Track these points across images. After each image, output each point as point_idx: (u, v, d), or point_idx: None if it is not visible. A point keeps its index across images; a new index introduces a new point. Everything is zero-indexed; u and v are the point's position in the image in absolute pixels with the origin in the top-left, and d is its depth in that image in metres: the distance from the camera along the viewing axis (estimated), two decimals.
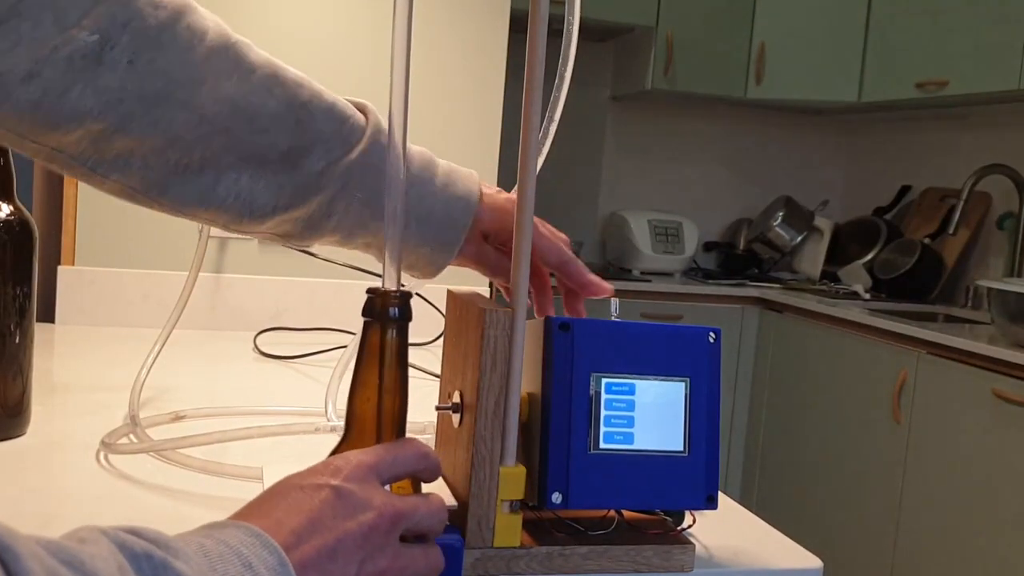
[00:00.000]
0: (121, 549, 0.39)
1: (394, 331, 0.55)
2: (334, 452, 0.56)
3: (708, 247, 3.76)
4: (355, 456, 0.51)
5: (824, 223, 3.50)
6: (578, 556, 0.63)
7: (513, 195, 0.66)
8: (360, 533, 0.47)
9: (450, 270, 0.77)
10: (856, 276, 3.33)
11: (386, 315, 0.55)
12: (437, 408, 0.67)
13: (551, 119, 0.73)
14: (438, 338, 1.43)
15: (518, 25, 1.35)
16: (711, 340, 0.67)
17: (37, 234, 0.85)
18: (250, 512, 0.48)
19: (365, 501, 0.48)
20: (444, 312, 0.72)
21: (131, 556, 0.39)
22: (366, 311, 0.55)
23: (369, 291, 0.56)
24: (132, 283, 1.42)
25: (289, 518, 0.46)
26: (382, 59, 1.50)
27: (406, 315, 0.56)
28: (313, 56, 1.48)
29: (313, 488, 0.48)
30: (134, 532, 0.41)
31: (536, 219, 0.67)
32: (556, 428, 0.63)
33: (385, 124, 0.54)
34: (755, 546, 0.72)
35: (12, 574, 0.33)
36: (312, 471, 0.50)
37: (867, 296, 3.16)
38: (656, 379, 0.65)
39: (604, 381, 0.64)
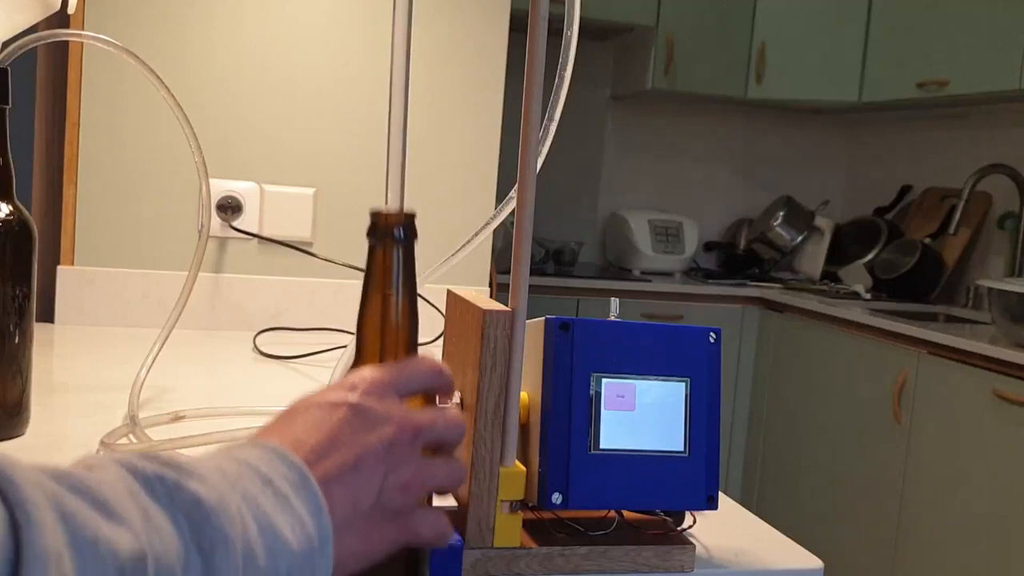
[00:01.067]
0: (132, 473, 0.38)
1: (400, 251, 0.54)
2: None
3: (708, 247, 3.76)
4: (370, 372, 0.50)
5: (825, 223, 3.50)
6: (578, 556, 0.63)
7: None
8: (381, 447, 0.47)
9: (451, 269, 0.76)
10: (857, 276, 3.33)
11: (391, 235, 0.54)
12: None
13: (551, 119, 0.73)
14: (438, 338, 1.43)
15: (518, 25, 1.35)
16: (711, 340, 0.67)
17: (36, 234, 0.84)
18: (269, 432, 0.47)
19: (384, 415, 0.48)
20: (444, 312, 0.72)
21: (143, 479, 0.38)
22: (370, 232, 0.55)
23: (373, 212, 0.55)
24: (132, 283, 1.42)
25: (309, 436, 0.46)
26: (382, 56, 1.50)
27: (411, 235, 0.55)
28: (313, 54, 1.48)
29: (331, 406, 0.47)
30: (147, 456, 0.39)
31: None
32: (556, 428, 0.63)
33: None
34: (755, 546, 0.72)
35: (11, 503, 0.32)
36: (328, 389, 0.49)
37: (868, 296, 3.16)
38: (656, 379, 0.65)
39: (604, 381, 0.64)
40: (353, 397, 0.48)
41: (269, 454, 0.44)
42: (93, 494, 0.35)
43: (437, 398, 0.55)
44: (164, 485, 0.38)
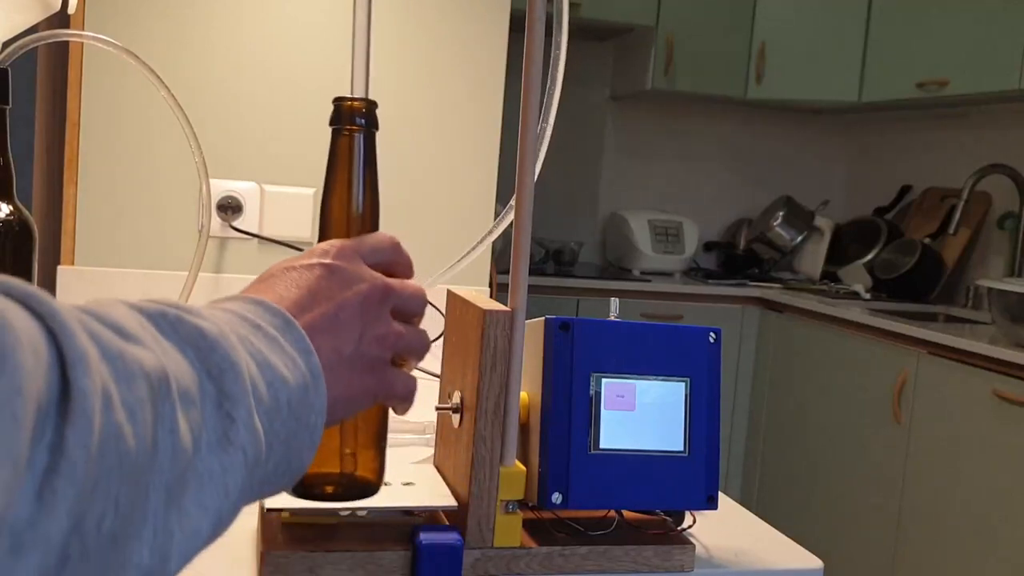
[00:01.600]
0: (135, 310, 0.39)
1: (362, 137, 0.58)
2: None
3: (708, 247, 3.76)
4: (338, 241, 0.53)
5: (824, 223, 3.50)
6: (578, 556, 0.63)
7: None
8: (357, 302, 0.50)
9: (451, 270, 0.76)
10: (856, 276, 3.33)
11: (353, 122, 0.58)
12: (437, 408, 0.67)
13: (545, 121, 0.73)
14: (438, 338, 1.43)
15: (518, 25, 1.35)
16: (711, 340, 0.67)
17: (36, 234, 0.85)
18: (247, 293, 0.49)
19: (357, 274, 0.51)
20: (444, 312, 0.72)
21: (147, 315, 0.39)
22: (333, 120, 0.58)
23: (336, 100, 0.58)
24: (132, 283, 1.42)
25: (289, 292, 0.48)
26: (381, 56, 1.50)
27: (372, 123, 0.58)
28: (313, 54, 1.48)
29: (306, 267, 0.50)
30: (145, 299, 0.41)
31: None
32: (556, 428, 0.63)
33: None
34: (755, 546, 0.72)
35: (42, 313, 0.32)
36: (300, 256, 0.52)
37: (867, 296, 3.16)
38: (656, 379, 0.65)
39: (604, 381, 0.64)
40: (326, 259, 0.51)
41: (252, 305, 0.45)
42: (108, 321, 0.36)
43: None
44: (167, 320, 0.39)
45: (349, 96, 0.59)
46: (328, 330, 0.48)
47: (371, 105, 0.58)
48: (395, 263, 0.56)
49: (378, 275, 0.52)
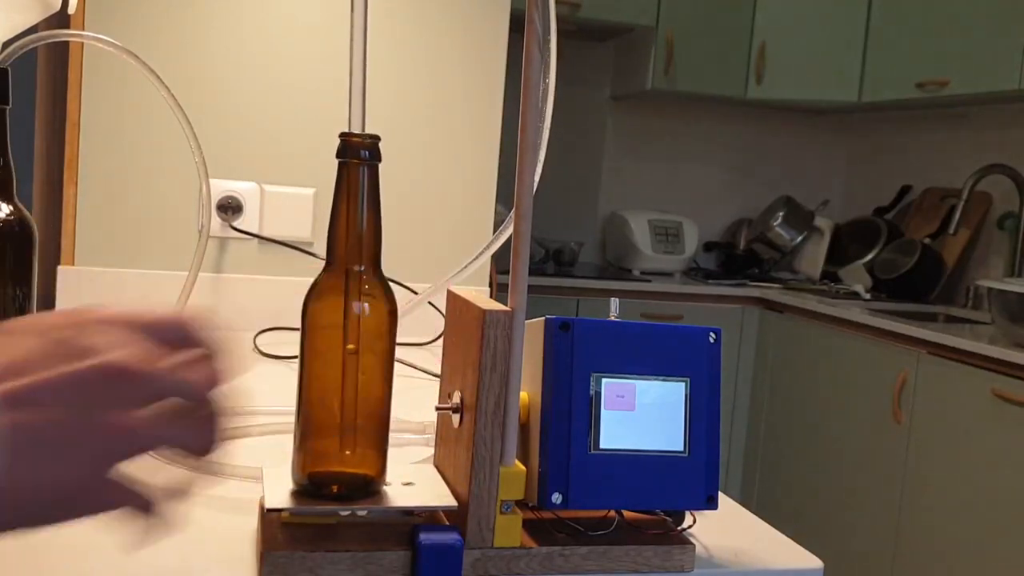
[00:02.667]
0: None
1: (366, 169, 0.62)
2: (317, 280, 0.63)
3: (708, 247, 3.76)
4: (96, 308, 0.45)
5: (824, 223, 3.50)
6: (578, 556, 0.63)
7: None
8: (71, 381, 0.41)
9: (451, 269, 0.76)
10: (856, 276, 3.33)
11: (358, 155, 0.62)
12: (437, 408, 0.67)
13: (541, 123, 0.73)
14: (438, 338, 1.43)
15: (518, 25, 1.35)
16: (711, 340, 0.67)
17: (36, 234, 0.84)
18: None
19: (88, 349, 0.42)
20: (444, 312, 0.72)
21: None
22: (340, 153, 0.62)
23: (342, 135, 0.62)
24: (132, 283, 1.42)
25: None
26: (381, 56, 1.50)
27: (375, 156, 0.62)
28: (313, 54, 1.48)
29: (33, 333, 0.43)
30: None
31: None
32: (556, 428, 0.63)
33: None
34: (755, 546, 0.72)
35: None
36: (40, 316, 0.44)
37: (867, 296, 3.16)
38: (656, 379, 0.65)
39: (604, 381, 0.64)
40: (55, 331, 0.43)
41: None
42: None
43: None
44: None
45: (354, 132, 0.63)
46: (30, 405, 0.40)
47: (374, 140, 0.62)
48: (191, 343, 0.48)
49: (118, 355, 0.42)
